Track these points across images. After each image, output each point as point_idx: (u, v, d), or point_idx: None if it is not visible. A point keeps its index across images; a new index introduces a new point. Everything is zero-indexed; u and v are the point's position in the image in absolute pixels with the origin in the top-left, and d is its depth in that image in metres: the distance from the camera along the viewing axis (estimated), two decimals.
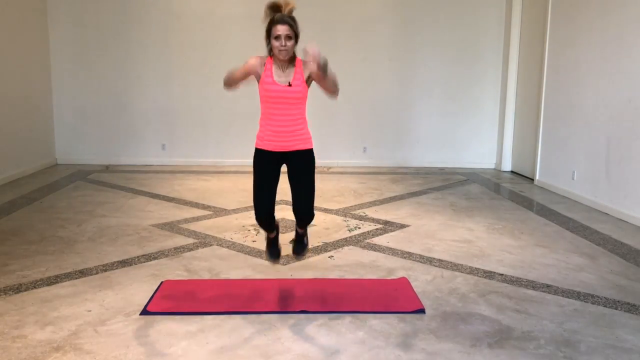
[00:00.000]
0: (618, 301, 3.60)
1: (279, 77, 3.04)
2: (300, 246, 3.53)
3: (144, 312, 3.30)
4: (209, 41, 8.83)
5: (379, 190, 7.18)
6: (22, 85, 7.84)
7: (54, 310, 3.30)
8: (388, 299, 3.56)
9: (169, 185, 7.27)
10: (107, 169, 8.62)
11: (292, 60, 3.07)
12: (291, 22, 2.98)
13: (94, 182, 7.47)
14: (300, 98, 3.06)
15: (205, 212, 5.81)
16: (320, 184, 6.46)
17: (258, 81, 3.07)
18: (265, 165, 3.12)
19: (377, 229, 5.26)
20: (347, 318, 3.26)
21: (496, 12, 8.91)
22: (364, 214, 5.85)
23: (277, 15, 2.98)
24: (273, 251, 3.53)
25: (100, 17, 8.69)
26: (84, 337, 2.98)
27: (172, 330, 3.08)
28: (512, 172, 8.88)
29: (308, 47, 2.80)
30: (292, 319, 3.02)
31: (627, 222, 5.65)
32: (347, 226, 5.35)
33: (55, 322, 3.15)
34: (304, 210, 3.20)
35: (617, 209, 5.87)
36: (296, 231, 3.50)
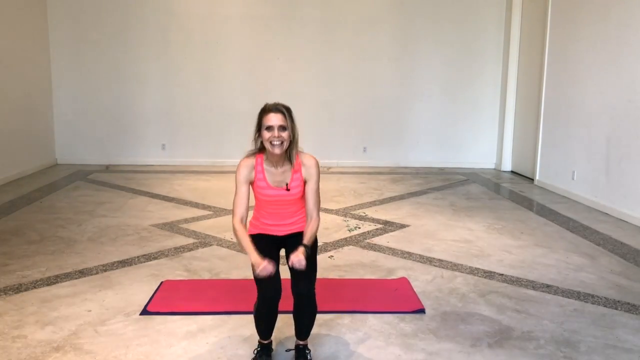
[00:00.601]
0: (618, 301, 3.60)
1: (274, 178, 2.63)
2: None
3: (144, 312, 3.30)
4: (209, 41, 8.83)
5: (379, 190, 7.18)
6: (22, 85, 7.84)
7: (54, 310, 3.30)
8: (388, 299, 3.56)
9: (169, 185, 7.27)
10: (107, 169, 8.62)
11: (288, 156, 2.62)
12: (285, 112, 2.56)
13: (94, 182, 7.47)
14: (300, 197, 2.68)
15: (205, 212, 5.81)
16: (320, 184, 6.44)
17: (249, 185, 2.67)
18: (262, 242, 2.64)
19: (377, 229, 5.26)
20: (347, 318, 3.26)
21: (496, 12, 8.91)
22: (364, 214, 5.85)
23: (269, 103, 2.61)
24: None
25: (100, 17, 8.68)
26: (84, 337, 2.98)
27: (172, 330, 3.08)
28: (512, 172, 8.88)
29: (294, 260, 2.44)
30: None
31: (627, 222, 5.64)
32: (347, 226, 5.35)
33: (55, 322, 3.15)
34: (303, 287, 2.58)
35: (617, 209, 5.86)
36: (297, 347, 2.81)
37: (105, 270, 4.01)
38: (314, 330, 3.05)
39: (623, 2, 5.84)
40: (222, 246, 4.64)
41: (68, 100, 8.83)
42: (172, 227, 5.21)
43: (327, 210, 5.91)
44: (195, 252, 4.46)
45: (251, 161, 2.65)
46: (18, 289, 3.64)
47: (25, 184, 7.22)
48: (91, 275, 3.92)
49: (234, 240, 4.81)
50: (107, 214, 5.67)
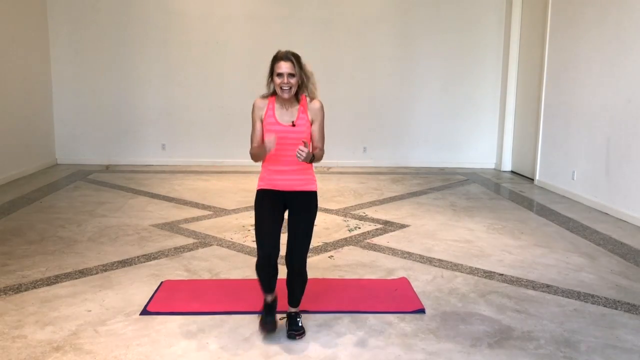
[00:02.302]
0: (618, 301, 3.60)
1: (282, 116, 2.92)
2: (294, 327, 3.02)
3: (144, 312, 3.30)
4: (209, 41, 8.83)
5: (379, 190, 7.17)
6: (22, 85, 7.84)
7: (54, 310, 3.30)
8: (388, 299, 3.56)
9: (169, 185, 7.27)
10: (107, 169, 8.62)
11: (296, 98, 2.94)
12: (294, 60, 2.86)
13: (94, 182, 7.47)
14: (305, 139, 2.89)
15: (205, 212, 5.81)
16: (320, 184, 6.45)
17: (261, 122, 2.96)
18: (267, 200, 2.95)
19: (377, 229, 5.26)
20: (347, 318, 3.26)
21: (496, 12, 8.91)
22: (364, 214, 5.85)
23: (281, 51, 2.92)
24: (268, 321, 2.97)
25: (100, 17, 8.68)
26: (84, 337, 2.98)
27: (172, 330, 3.08)
28: (512, 172, 8.88)
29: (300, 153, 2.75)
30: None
31: (627, 222, 5.64)
32: (347, 226, 5.35)
33: (55, 322, 3.15)
34: (297, 256, 2.94)
35: (617, 209, 5.86)
36: (289, 314, 3.09)
37: (105, 270, 4.01)
38: (315, 330, 3.07)
39: (623, 3, 5.84)
40: (222, 246, 4.64)
41: (68, 100, 8.83)
42: (172, 227, 5.21)
43: (327, 210, 5.91)
44: (195, 252, 4.46)
45: (264, 101, 2.98)
46: (18, 289, 3.64)
47: (25, 184, 7.22)
48: (91, 275, 3.92)
49: (234, 239, 4.82)
50: (107, 214, 5.67)
